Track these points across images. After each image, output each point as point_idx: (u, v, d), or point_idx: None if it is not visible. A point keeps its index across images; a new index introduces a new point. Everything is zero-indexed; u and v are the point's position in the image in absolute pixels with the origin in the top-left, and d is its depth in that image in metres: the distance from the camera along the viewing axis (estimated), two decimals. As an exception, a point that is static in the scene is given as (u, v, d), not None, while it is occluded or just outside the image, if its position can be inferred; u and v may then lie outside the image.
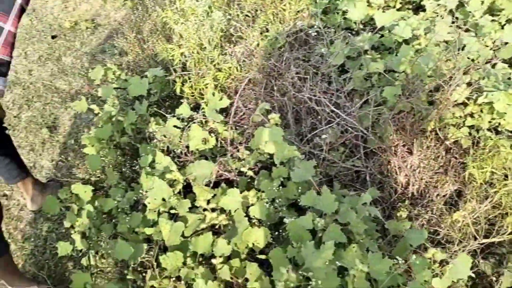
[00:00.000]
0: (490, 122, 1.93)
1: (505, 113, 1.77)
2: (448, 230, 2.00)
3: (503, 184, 1.75)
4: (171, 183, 2.12)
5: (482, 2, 2.46)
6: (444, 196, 2.09)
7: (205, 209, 2.06)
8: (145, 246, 2.05)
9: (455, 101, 1.88)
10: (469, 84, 1.91)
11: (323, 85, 2.29)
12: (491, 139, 1.81)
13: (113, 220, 2.24)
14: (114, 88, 2.34)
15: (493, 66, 2.02)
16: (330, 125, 2.14)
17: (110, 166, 2.33)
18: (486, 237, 1.96)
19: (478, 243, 1.92)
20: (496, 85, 1.82)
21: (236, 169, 2.23)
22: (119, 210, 2.21)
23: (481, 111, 1.88)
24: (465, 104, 1.92)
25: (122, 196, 2.21)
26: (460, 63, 1.89)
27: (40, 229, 2.75)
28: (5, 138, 2.36)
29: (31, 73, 3.87)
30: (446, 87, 1.84)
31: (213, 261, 1.79)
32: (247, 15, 2.83)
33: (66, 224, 2.29)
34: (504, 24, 2.21)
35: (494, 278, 1.96)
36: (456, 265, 1.63)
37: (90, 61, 3.81)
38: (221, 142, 2.35)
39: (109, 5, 4.52)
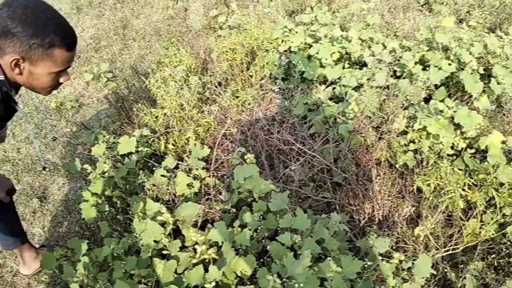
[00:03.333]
0: (430, 147, 2.32)
1: (438, 135, 2.17)
2: (412, 245, 2.28)
3: (447, 192, 2.08)
4: (162, 225, 2.34)
5: (414, 56, 3.00)
6: (404, 216, 2.40)
7: (195, 245, 2.27)
8: (140, 286, 2.20)
9: (396, 130, 2.28)
10: (409, 117, 2.33)
11: (289, 131, 2.66)
12: (432, 158, 2.18)
13: (109, 268, 2.40)
14: (108, 148, 2.63)
15: (427, 102, 2.47)
16: (299, 162, 2.47)
17: (103, 219, 2.53)
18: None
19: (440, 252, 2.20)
20: (429, 115, 2.23)
21: (220, 210, 2.49)
22: (114, 256, 2.38)
23: (420, 137, 2.27)
24: (406, 133, 2.32)
25: (117, 243, 2.39)
26: (397, 101, 2.32)
27: (34, 292, 2.83)
28: (7, 207, 2.53)
29: (20, 151, 4.10)
30: (388, 120, 2.25)
31: (206, 285, 1.98)
32: (219, 82, 3.27)
33: (64, 277, 2.43)
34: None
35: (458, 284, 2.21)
36: (418, 265, 1.89)
37: (75, 134, 4.11)
38: (204, 188, 2.62)
39: (92, 86, 4.94)
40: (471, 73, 2.67)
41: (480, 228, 2.27)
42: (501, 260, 2.22)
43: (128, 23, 5.89)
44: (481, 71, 2.86)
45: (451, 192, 2.07)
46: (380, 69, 2.74)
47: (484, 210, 2.30)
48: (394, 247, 2.38)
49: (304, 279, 1.72)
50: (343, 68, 3.03)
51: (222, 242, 2.22)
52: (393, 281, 1.89)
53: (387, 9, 4.75)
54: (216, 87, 2.91)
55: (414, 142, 2.30)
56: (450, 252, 2.25)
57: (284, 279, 1.78)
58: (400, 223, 2.39)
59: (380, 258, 2.00)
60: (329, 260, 1.77)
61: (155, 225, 2.27)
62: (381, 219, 2.50)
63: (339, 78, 2.81)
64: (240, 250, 2.24)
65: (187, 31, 5.20)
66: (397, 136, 2.32)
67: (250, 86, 3.30)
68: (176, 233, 2.49)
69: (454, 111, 2.25)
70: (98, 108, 4.46)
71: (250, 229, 2.17)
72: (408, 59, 2.86)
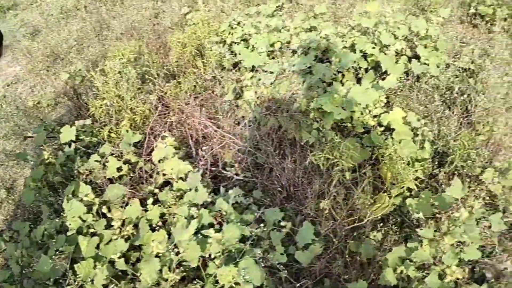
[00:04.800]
0: (340, 125, 2.43)
1: (332, 112, 2.27)
2: (318, 218, 2.38)
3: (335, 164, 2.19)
4: (90, 206, 2.52)
5: (346, 41, 3.09)
6: (316, 191, 2.50)
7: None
8: (64, 260, 2.39)
9: (300, 110, 2.39)
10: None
11: (217, 117, 2.80)
12: (330, 135, 2.28)
13: (45, 246, 2.60)
14: (49, 137, 2.83)
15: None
16: (221, 144, 2.61)
17: (44, 202, 2.73)
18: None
19: (343, 225, 2.31)
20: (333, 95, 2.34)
21: (148, 191, 2.64)
22: (48, 235, 2.57)
23: (324, 115, 2.37)
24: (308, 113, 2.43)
25: (50, 224, 2.58)
26: (307, 83, 2.43)
27: (-10, 273, 3.05)
28: None
29: (-4, 147, 4.38)
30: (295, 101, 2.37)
31: (112, 256, 2.14)
32: (167, 72, 3.43)
33: (7, 256, 2.65)
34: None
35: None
36: (301, 232, 2.00)
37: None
38: (139, 172, 2.79)
39: (70, 85, 5.19)
40: (392, 55, 2.75)
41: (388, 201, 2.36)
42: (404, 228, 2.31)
43: (109, 25, 6.14)
44: (409, 53, 2.93)
45: (339, 165, 2.16)
46: (305, 54, 2.86)
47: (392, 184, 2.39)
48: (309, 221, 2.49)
49: (186, 245, 1.86)
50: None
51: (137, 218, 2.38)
52: (281, 248, 2.01)
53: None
54: (155, 78, 3.08)
55: (317, 121, 2.40)
56: (356, 224, 2.34)
57: (172, 245, 1.92)
58: (311, 197, 2.50)
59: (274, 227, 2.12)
60: (210, 229, 1.90)
61: (79, 204, 2.45)
62: (299, 195, 2.61)
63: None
64: (156, 226, 2.39)
65: (160, 30, 5.40)
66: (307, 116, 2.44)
67: (199, 77, 3.46)
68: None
69: (349, 89, 2.35)
70: (70, 105, 4.69)
71: (160, 206, 2.32)
72: (338, 45, 2.96)
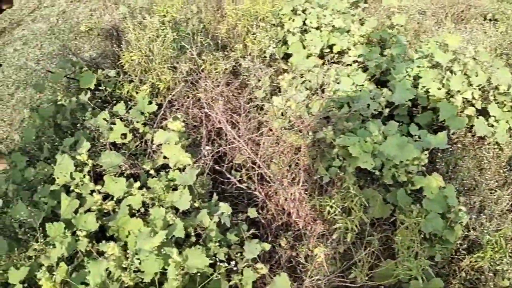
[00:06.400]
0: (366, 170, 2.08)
1: (358, 157, 1.93)
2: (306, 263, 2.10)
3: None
4: (82, 165, 2.39)
5: (412, 69, 2.66)
6: (316, 232, 2.22)
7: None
8: (42, 213, 2.29)
9: (324, 140, 2.07)
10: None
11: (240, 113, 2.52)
12: (348, 181, 1.96)
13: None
14: (69, 77, 2.69)
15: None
16: (231, 145, 2.36)
17: (47, 142, 2.63)
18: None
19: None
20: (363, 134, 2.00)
21: (147, 169, 2.47)
22: (37, 180, 2.49)
23: (349, 155, 2.04)
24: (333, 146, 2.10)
25: (41, 169, 2.49)
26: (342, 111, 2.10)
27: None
28: None
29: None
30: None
31: (78, 232, 2.01)
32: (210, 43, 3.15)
33: (-5, 185, 2.61)
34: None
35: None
36: (276, 282, 1.76)
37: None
38: (145, 142, 2.61)
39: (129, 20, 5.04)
40: (457, 105, 2.31)
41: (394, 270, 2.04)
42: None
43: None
44: (479, 106, 2.46)
45: (344, 222, 1.86)
46: (364, 70, 2.47)
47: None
48: (301, 261, 2.23)
49: (146, 256, 1.68)
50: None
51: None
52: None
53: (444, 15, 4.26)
54: (196, 45, 2.82)
55: (339, 158, 2.07)
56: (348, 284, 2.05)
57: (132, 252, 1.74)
58: (312, 237, 2.22)
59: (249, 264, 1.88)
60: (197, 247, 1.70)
61: (69, 162, 2.31)
62: (301, 227, 2.34)
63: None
64: (138, 212, 2.22)
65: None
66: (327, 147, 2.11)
67: (248, 55, 3.18)
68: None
69: (385, 139, 1.97)
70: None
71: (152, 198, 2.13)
72: (400, 72, 2.54)
